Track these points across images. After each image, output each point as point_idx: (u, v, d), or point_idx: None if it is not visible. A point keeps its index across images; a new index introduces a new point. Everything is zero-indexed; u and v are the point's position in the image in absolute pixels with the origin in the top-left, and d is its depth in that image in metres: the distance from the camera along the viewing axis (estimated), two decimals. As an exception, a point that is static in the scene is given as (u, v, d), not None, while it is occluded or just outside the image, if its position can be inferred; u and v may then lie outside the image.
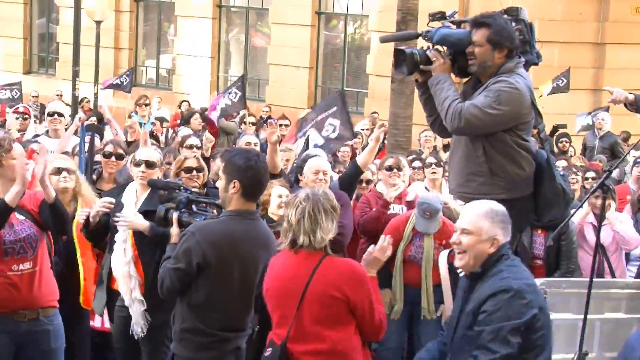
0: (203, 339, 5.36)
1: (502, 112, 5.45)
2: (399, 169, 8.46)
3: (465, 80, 6.14)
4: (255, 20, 23.08)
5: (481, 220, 4.43)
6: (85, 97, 18.61)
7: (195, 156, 7.82)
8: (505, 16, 5.81)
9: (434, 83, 5.66)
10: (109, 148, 8.10)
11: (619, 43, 18.67)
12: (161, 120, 16.16)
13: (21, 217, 5.89)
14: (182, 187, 6.09)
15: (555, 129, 15.16)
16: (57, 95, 19.43)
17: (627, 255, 8.66)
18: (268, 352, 5.02)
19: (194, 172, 7.38)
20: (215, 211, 5.91)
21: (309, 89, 22.12)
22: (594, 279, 5.86)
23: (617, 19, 18.67)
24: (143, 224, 6.02)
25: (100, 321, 6.81)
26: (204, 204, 5.94)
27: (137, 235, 6.12)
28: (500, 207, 4.53)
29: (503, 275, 4.43)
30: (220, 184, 5.46)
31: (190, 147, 8.99)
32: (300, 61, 21.82)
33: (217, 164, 7.24)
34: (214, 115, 15.00)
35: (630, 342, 4.35)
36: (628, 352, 4.28)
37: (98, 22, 21.28)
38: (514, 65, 5.64)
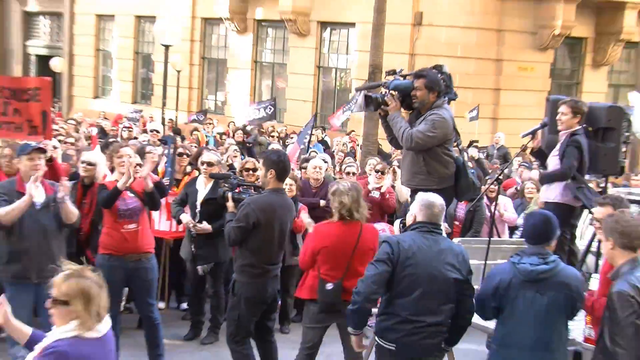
0: (254, 270, 6.83)
1: (436, 135, 6.87)
2: (383, 173, 10.19)
3: (410, 112, 7.43)
4: (278, 70, 25.76)
5: (413, 207, 5.66)
6: (170, 119, 21.00)
7: (252, 160, 9.55)
8: (434, 70, 7.14)
9: (391, 118, 7.05)
10: (180, 150, 9.96)
11: (509, 89, 21.99)
12: (220, 134, 18.75)
13: (131, 195, 7.38)
14: (232, 177, 7.73)
15: (470, 143, 16.99)
16: (150, 117, 22.17)
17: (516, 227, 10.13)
18: (329, 286, 6.47)
19: (251, 172, 9.21)
20: (254, 190, 7.34)
21: (311, 114, 22.44)
22: (491, 238, 7.35)
23: (508, 73, 21.94)
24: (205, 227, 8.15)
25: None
26: (246, 187, 7.41)
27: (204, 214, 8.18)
28: (428, 197, 5.62)
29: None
30: (261, 172, 7.16)
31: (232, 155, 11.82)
32: (306, 97, 24.48)
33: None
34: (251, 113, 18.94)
35: (492, 271, 5.44)
36: (489, 279, 5.36)
37: (178, 71, 25.08)
38: (442, 102, 7.04)
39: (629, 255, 5.05)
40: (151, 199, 7.49)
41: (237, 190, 7.33)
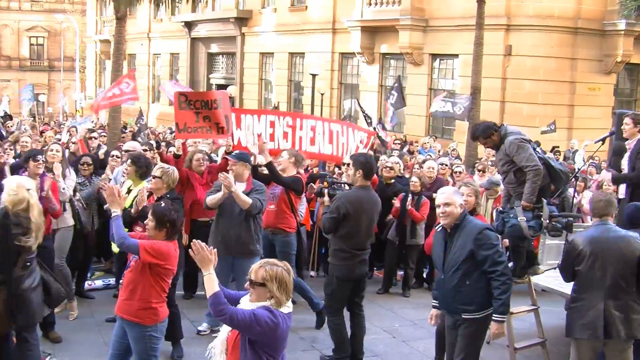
0: (344, 254, 7.17)
1: (528, 150, 7.03)
2: (484, 171, 11.06)
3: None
4: None
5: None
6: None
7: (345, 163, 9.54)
8: (483, 125, 7.31)
9: (528, 194, 6.95)
10: None
11: (581, 105, 23.60)
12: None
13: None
14: (327, 176, 8.66)
15: (552, 148, 18.96)
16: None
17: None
18: None
19: (342, 169, 10.01)
20: (346, 187, 7.79)
21: (425, 127, 25.88)
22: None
23: (580, 93, 23.58)
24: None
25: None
26: (339, 184, 8.01)
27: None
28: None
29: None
30: (351, 172, 7.38)
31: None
32: (420, 113, 25.82)
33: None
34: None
35: None
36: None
37: (322, 94, 28.29)
38: (503, 130, 7.21)
39: None
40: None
41: (330, 188, 7.98)
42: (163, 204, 5.86)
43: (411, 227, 10.29)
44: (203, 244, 4.53)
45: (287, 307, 4.38)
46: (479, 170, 11.75)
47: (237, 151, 8.75)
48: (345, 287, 7.26)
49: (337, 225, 7.09)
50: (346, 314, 7.46)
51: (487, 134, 7.16)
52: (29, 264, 6.17)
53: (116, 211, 5.78)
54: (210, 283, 4.42)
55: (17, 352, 6.16)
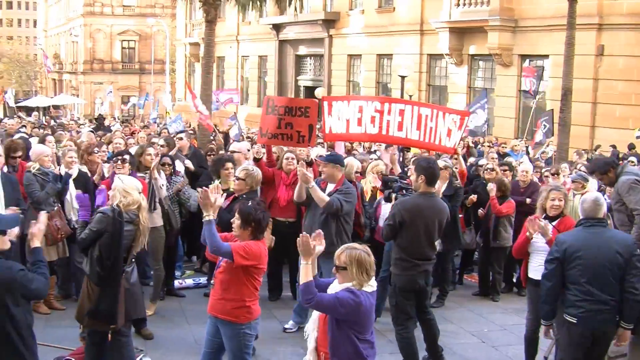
0: (405, 264, 7.03)
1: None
2: (558, 174, 10.78)
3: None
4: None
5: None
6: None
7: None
8: (600, 161, 7.73)
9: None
10: None
11: None
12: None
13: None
14: (397, 181, 8.13)
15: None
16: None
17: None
18: None
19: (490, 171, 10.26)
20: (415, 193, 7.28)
21: (514, 129, 26.04)
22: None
23: None
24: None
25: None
26: (409, 190, 7.68)
27: None
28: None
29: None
30: (413, 177, 7.21)
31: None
32: (509, 115, 26.44)
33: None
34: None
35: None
36: None
37: (410, 96, 27.71)
38: (619, 168, 7.39)
39: None
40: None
41: (400, 193, 7.74)
42: (250, 203, 5.87)
43: (494, 229, 10.21)
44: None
45: (370, 286, 4.75)
46: (552, 174, 11.40)
47: (329, 153, 8.71)
48: (408, 298, 7.16)
49: (394, 233, 7.04)
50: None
51: (604, 170, 7.24)
52: (133, 260, 6.46)
53: (209, 215, 5.71)
54: (306, 272, 4.85)
55: (112, 349, 6.31)
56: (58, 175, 8.72)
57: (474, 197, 10.74)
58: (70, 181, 8.96)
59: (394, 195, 7.67)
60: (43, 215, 5.35)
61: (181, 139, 12.46)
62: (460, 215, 10.51)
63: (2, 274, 4.71)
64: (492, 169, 10.90)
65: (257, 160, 9.49)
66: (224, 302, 5.78)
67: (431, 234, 7.01)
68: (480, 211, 10.65)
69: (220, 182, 7.83)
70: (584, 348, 5.85)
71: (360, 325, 4.80)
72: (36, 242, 5.15)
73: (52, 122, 22.52)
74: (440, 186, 8.92)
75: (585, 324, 5.78)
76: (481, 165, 11.63)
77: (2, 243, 4.88)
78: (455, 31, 28.38)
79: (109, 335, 6.24)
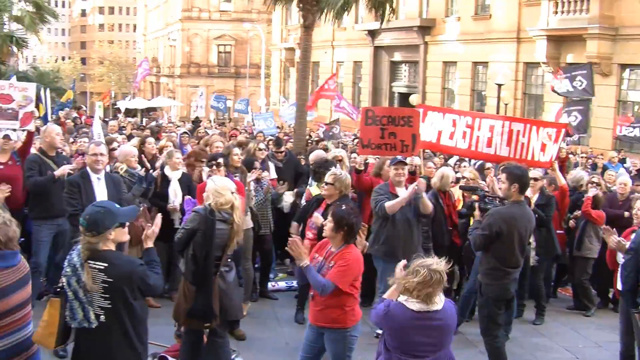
0: (498, 273, 7.02)
1: None
2: (599, 184, 10.47)
3: None
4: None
5: None
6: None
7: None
8: None
9: None
10: None
11: None
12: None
13: None
14: (479, 189, 8.17)
15: None
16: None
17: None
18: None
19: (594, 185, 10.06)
20: (498, 201, 7.38)
21: (612, 140, 24.57)
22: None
23: None
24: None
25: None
26: (492, 198, 7.59)
27: None
28: None
29: None
30: (503, 186, 7.09)
31: None
32: (608, 125, 24.87)
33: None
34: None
35: None
36: None
37: (506, 104, 28.22)
38: None
39: None
40: None
41: (483, 201, 7.59)
42: (344, 207, 6.00)
43: (579, 238, 10.14)
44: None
45: (435, 304, 4.86)
46: (592, 183, 10.85)
47: (398, 156, 8.91)
48: (500, 307, 7.19)
49: (488, 242, 6.98)
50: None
51: None
52: (229, 260, 6.56)
53: (306, 262, 5.84)
54: (391, 293, 5.16)
55: (209, 350, 6.42)
56: (143, 176, 8.91)
57: (573, 222, 10.72)
58: (177, 182, 9.27)
59: (477, 204, 7.61)
60: (159, 218, 5.50)
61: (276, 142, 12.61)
62: (561, 232, 10.46)
63: (124, 266, 4.85)
64: (598, 183, 10.78)
65: (358, 172, 9.55)
66: (328, 311, 5.93)
67: (523, 242, 7.08)
68: (572, 222, 10.69)
69: (318, 186, 8.32)
70: None
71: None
72: (149, 243, 5.31)
73: (152, 123, 22.88)
74: (532, 196, 9.14)
75: None
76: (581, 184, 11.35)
77: (122, 235, 5.02)
78: (552, 39, 27.98)
79: (205, 337, 6.38)
